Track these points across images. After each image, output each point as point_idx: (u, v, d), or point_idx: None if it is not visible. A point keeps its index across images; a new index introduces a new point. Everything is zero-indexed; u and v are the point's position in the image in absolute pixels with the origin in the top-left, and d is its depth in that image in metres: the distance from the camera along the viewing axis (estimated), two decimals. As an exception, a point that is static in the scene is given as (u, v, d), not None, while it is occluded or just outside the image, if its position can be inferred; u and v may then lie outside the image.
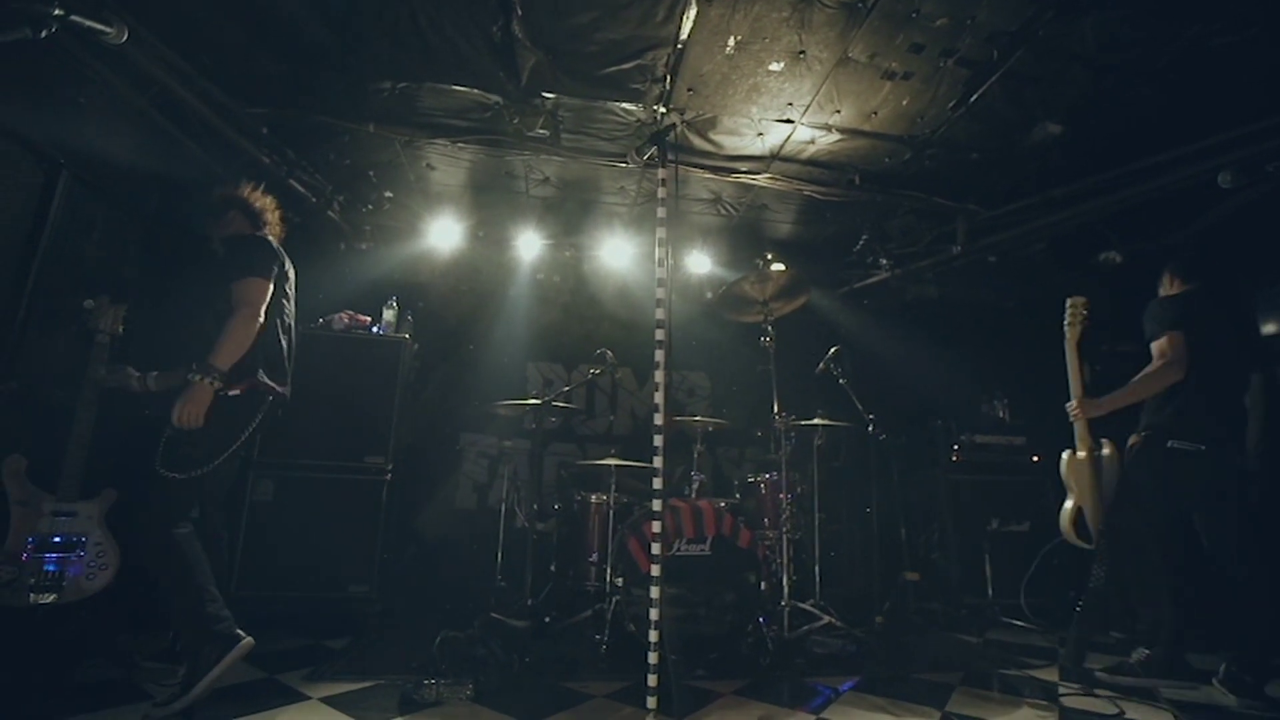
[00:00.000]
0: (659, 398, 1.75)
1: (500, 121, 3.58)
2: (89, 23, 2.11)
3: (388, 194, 4.22)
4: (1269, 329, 4.64)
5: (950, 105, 3.32)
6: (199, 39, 2.97)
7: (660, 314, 1.76)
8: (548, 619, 3.28)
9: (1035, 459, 4.49)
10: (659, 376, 1.75)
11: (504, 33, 2.91)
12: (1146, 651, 2.87)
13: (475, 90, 3.33)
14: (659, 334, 1.76)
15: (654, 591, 1.75)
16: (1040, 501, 4.34)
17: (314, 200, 3.92)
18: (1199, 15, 2.68)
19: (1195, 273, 3.08)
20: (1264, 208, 3.75)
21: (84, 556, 2.68)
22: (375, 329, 3.84)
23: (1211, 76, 3.03)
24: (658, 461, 1.71)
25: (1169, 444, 2.83)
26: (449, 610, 3.66)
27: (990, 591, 4.22)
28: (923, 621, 3.94)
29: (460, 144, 3.71)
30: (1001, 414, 4.84)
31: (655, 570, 1.73)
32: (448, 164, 4.08)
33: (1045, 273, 4.98)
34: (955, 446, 4.53)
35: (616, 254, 4.78)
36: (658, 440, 1.72)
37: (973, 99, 3.24)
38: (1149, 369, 2.88)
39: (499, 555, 3.94)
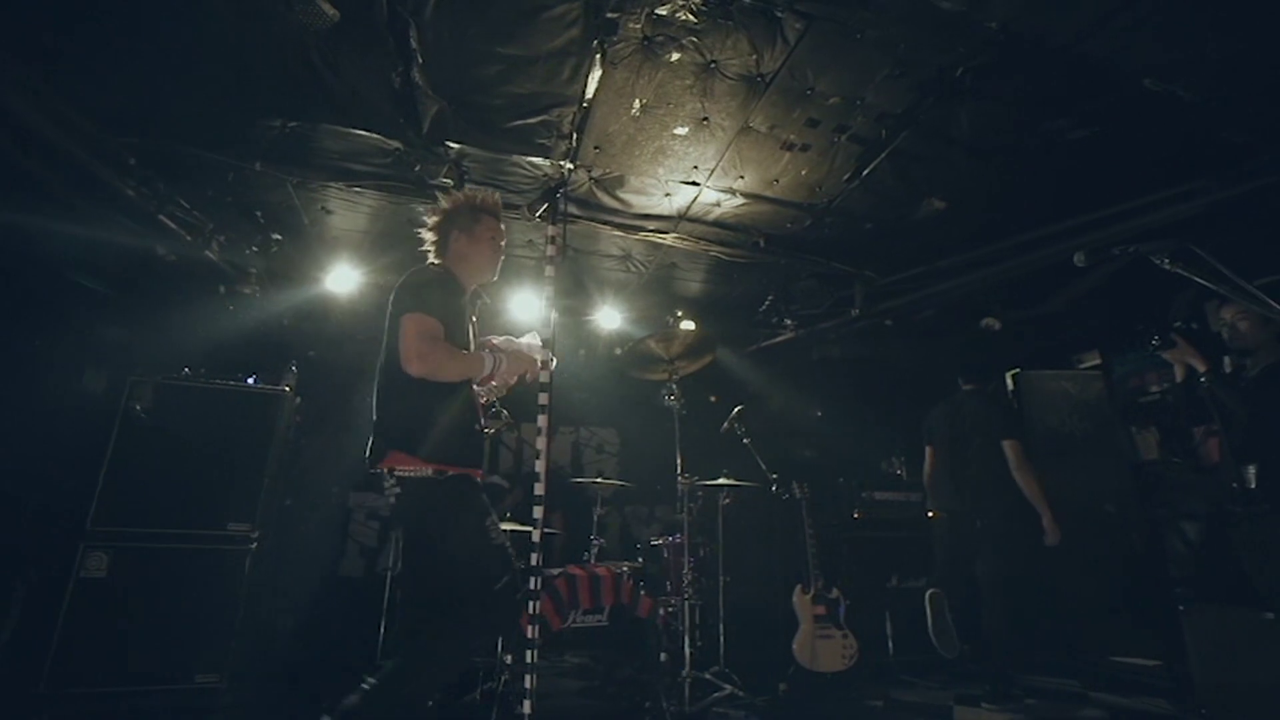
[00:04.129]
0: (540, 465, 1.63)
1: (402, 168, 3.45)
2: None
3: (276, 236, 3.95)
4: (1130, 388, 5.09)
5: (845, 178, 3.49)
6: (51, 52, 2.70)
7: (544, 376, 1.67)
8: (430, 703, 2.97)
9: (930, 515, 4.63)
10: (540, 443, 1.64)
11: (404, 79, 2.82)
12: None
13: (375, 135, 3.20)
14: (542, 397, 1.66)
15: (528, 681, 1.58)
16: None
17: (189, 238, 3.60)
18: (1054, 111, 2.97)
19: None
20: (1119, 282, 4.15)
21: None
22: (251, 380, 3.51)
23: (1069, 165, 3.34)
24: (535, 535, 1.58)
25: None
26: (315, 698, 3.25)
27: (891, 649, 4.24)
28: (826, 685, 3.87)
29: (357, 189, 3.54)
30: (899, 471, 5.00)
31: (530, 657, 1.57)
32: (346, 209, 3.88)
33: (936, 336, 5.29)
34: (856, 505, 4.61)
35: (524, 307, 4.67)
36: (537, 511, 1.59)
37: (865, 173, 3.42)
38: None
39: (382, 630, 3.58)
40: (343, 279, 4.35)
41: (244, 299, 4.29)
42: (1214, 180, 3.15)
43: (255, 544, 3.23)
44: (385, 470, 1.90)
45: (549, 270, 1.76)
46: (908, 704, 3.60)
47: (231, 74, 2.81)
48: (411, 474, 1.86)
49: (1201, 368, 2.66)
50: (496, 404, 3.23)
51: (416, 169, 3.43)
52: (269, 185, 3.60)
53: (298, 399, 3.80)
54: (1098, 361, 5.23)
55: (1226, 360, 2.97)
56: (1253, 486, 2.51)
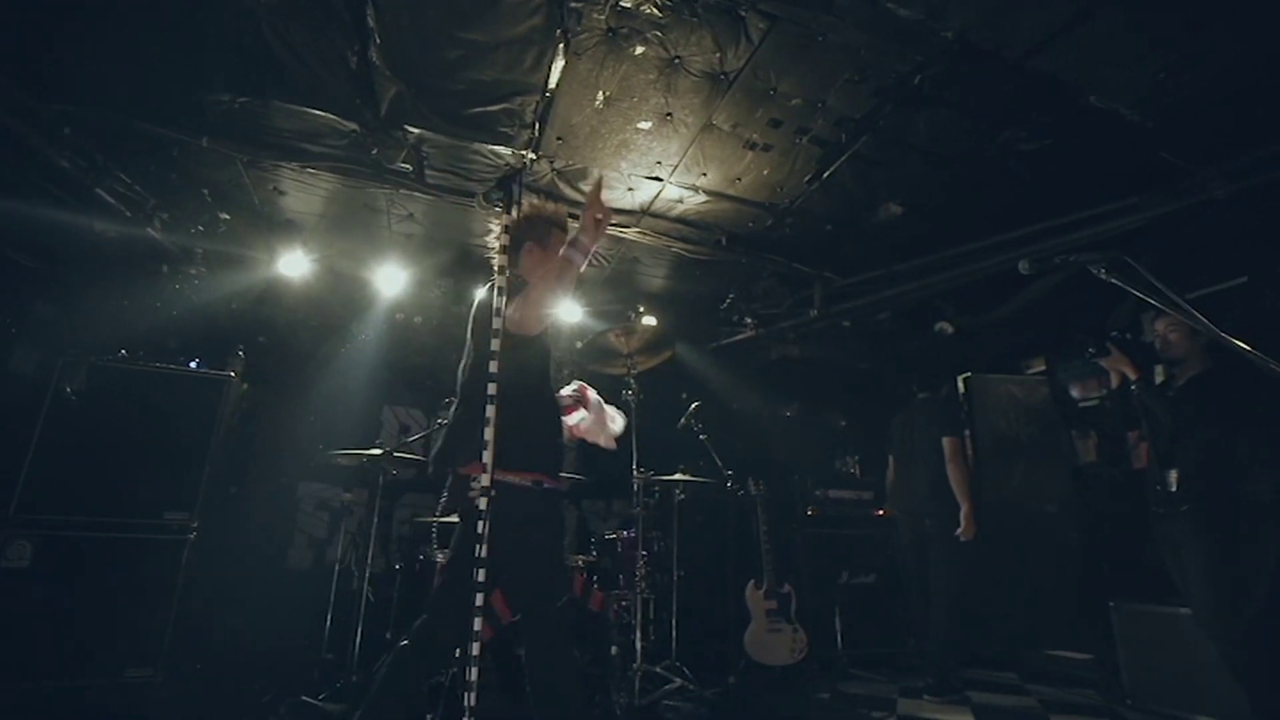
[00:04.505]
0: (488, 456, 1.61)
1: (358, 151, 3.35)
2: None
3: (224, 215, 3.81)
4: (1073, 393, 5.31)
5: (806, 179, 3.53)
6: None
7: (494, 366, 1.64)
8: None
9: (880, 513, 4.74)
10: (489, 434, 1.62)
11: (361, 59, 2.75)
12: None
13: (330, 115, 3.10)
14: (491, 388, 1.64)
15: (472, 673, 1.57)
16: (886, 554, 4.57)
17: (129, 214, 3.44)
18: (1008, 123, 3.06)
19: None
20: (1066, 291, 4.30)
21: None
22: (193, 364, 3.38)
23: (1023, 176, 3.44)
24: (481, 526, 1.56)
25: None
26: (255, 692, 3.16)
27: (840, 643, 4.33)
28: (776, 678, 3.94)
29: (310, 169, 3.43)
30: (853, 469, 5.11)
31: (474, 648, 1.56)
32: (300, 190, 3.75)
33: (891, 339, 5.41)
34: (810, 502, 4.69)
35: (486, 297, 4.60)
36: (482, 503, 1.57)
37: (825, 175, 3.47)
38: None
39: (328, 622, 3.49)
40: (296, 263, 4.21)
41: (189, 280, 4.12)
42: (1152, 196, 3.29)
43: (194, 534, 3.12)
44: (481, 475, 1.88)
45: (499, 260, 1.74)
46: (854, 696, 3.68)
47: (177, 43, 2.69)
48: (513, 482, 1.87)
49: (1134, 376, 2.78)
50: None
51: (374, 152, 3.35)
52: (217, 162, 3.46)
53: (244, 385, 3.68)
54: (1044, 367, 5.44)
55: (1159, 370, 3.11)
56: (1173, 490, 2.64)
